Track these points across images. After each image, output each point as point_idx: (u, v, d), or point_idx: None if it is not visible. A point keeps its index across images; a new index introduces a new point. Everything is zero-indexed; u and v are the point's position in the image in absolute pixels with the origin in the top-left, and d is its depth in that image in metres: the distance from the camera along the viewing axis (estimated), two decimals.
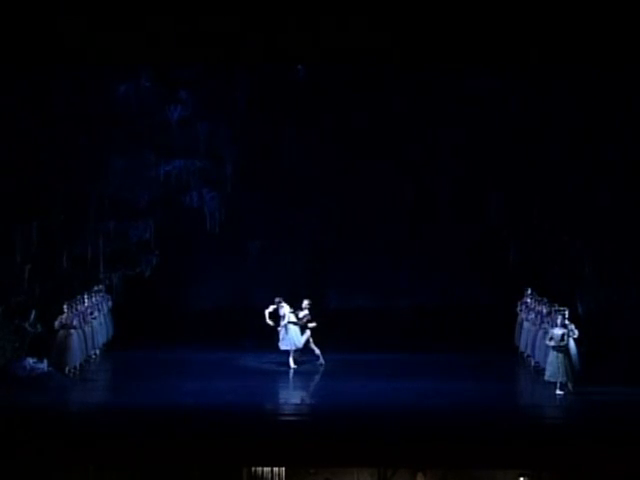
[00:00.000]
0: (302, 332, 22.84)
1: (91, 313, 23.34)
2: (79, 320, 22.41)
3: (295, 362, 22.78)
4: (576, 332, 20.95)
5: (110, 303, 25.18)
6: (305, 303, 23.00)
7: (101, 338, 24.14)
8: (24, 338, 23.51)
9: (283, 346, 22.84)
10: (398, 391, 20.74)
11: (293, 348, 22.76)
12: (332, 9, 19.84)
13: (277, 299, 22.97)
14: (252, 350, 24.67)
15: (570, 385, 20.43)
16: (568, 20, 19.85)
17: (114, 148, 26.25)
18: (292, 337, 22.73)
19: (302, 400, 21.06)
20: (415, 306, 26.81)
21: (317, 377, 22.33)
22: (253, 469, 19.70)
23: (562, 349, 20.42)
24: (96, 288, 24.77)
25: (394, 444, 17.41)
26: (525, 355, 23.56)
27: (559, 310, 21.04)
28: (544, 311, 22.46)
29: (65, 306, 22.07)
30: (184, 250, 26.96)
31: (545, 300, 22.84)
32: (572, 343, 20.89)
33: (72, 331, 21.96)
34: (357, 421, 18.64)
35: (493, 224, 26.61)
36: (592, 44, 20.09)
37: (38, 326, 23.56)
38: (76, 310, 22.45)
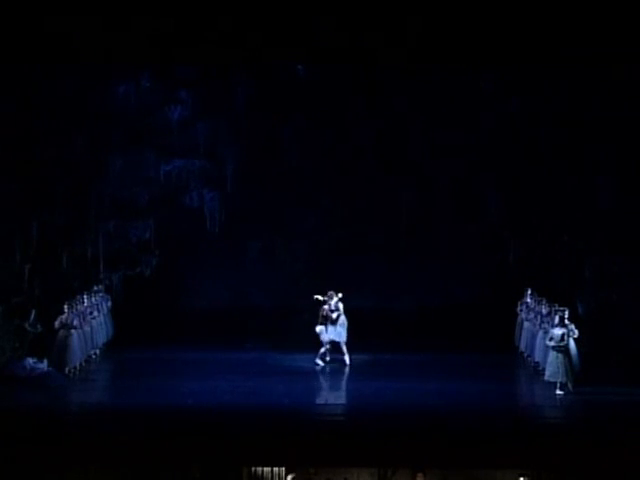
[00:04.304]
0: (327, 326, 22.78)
1: (91, 313, 23.36)
2: (79, 320, 22.41)
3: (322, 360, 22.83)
4: (576, 332, 20.95)
5: (110, 303, 25.19)
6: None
7: (101, 338, 24.15)
8: (24, 338, 23.52)
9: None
10: (398, 391, 20.73)
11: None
12: (331, 9, 19.84)
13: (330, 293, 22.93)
14: (252, 350, 24.70)
15: (570, 385, 20.42)
16: (567, 20, 19.85)
17: (114, 148, 26.27)
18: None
19: (302, 400, 21.02)
20: (415, 306, 26.80)
21: (317, 377, 22.30)
22: (253, 469, 19.69)
23: (562, 349, 20.41)
24: (96, 288, 24.78)
25: (394, 444, 17.40)
26: (525, 355, 23.56)
27: (559, 310, 21.03)
28: (544, 311, 22.46)
29: (65, 306, 22.06)
30: (184, 250, 26.95)
31: (545, 300, 22.84)
32: (572, 343, 20.88)
33: (72, 331, 21.96)
34: (357, 421, 18.64)
35: (493, 224, 26.62)
36: (592, 44, 20.09)
37: (38, 326, 23.56)
38: (76, 310, 22.45)
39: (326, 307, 22.80)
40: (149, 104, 26.56)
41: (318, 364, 22.74)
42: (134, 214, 26.66)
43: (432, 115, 26.37)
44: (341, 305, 22.90)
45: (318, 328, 22.74)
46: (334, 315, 22.74)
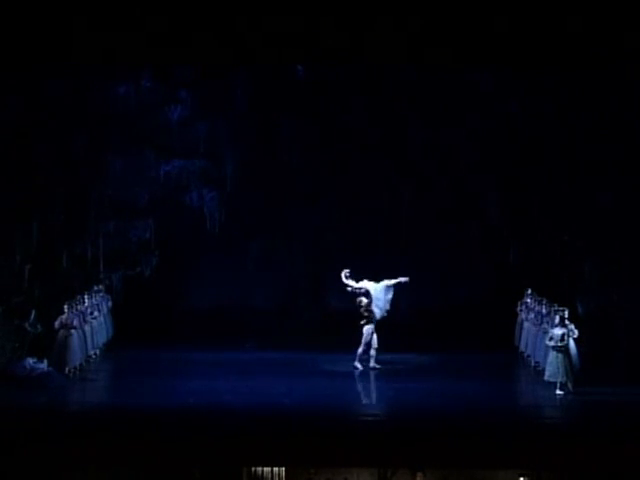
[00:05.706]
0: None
1: (91, 313, 23.36)
2: (79, 320, 22.41)
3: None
4: (576, 332, 20.94)
5: (110, 303, 25.20)
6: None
7: (101, 338, 24.14)
8: (24, 338, 23.51)
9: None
10: (398, 391, 20.75)
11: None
12: (331, 9, 19.85)
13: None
14: (252, 350, 24.69)
15: (570, 385, 20.41)
16: (567, 21, 19.86)
17: (114, 148, 26.26)
18: None
19: (302, 400, 21.02)
20: (415, 306, 26.77)
21: (317, 377, 22.28)
22: (253, 469, 19.69)
23: (562, 349, 20.40)
24: (96, 288, 24.78)
25: (394, 444, 17.40)
26: (525, 355, 23.56)
27: (559, 310, 21.03)
28: (544, 311, 22.46)
29: (65, 306, 22.05)
30: (184, 250, 26.95)
31: (545, 300, 22.83)
32: (572, 343, 20.87)
33: (72, 331, 21.95)
34: (357, 421, 18.63)
35: (493, 224, 26.61)
36: (592, 44, 20.10)
37: (38, 326, 23.55)
38: (76, 310, 22.44)
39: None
40: (149, 104, 26.56)
41: (375, 367, 22.60)
42: (134, 214, 26.66)
43: (432, 115, 26.37)
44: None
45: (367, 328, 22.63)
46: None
